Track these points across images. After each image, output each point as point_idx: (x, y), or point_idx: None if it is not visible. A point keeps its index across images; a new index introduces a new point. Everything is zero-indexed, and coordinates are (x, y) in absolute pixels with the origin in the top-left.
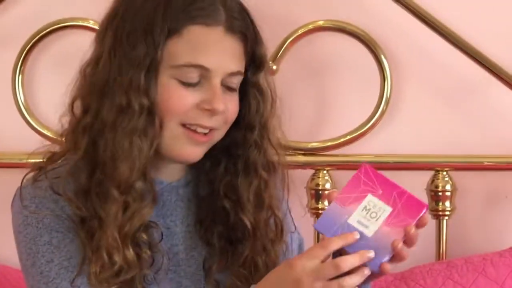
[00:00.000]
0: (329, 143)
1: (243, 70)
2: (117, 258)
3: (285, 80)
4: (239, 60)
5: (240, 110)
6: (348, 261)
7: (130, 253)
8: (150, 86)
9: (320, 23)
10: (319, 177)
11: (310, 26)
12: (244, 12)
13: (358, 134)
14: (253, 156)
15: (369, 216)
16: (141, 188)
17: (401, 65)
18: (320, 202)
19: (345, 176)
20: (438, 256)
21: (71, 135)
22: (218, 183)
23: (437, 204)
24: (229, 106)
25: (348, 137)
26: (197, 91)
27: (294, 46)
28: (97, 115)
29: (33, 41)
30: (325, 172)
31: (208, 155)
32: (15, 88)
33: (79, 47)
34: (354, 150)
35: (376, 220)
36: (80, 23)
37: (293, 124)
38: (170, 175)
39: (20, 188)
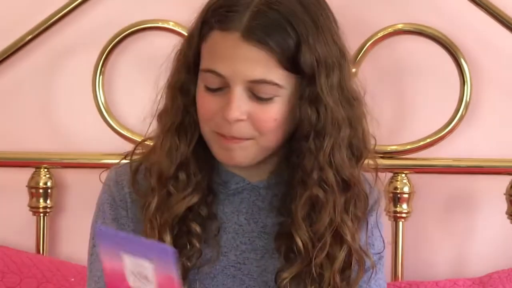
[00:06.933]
0: (408, 147)
1: (273, 80)
2: None
3: (364, 83)
4: (264, 68)
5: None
6: None
7: (168, 238)
8: (191, 87)
9: (399, 26)
10: (397, 181)
11: (390, 30)
12: (276, 19)
13: (437, 137)
14: (308, 166)
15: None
16: (183, 179)
17: (481, 69)
18: (398, 206)
19: (424, 179)
20: None
21: None
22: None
23: None
24: (258, 115)
25: (428, 140)
26: (219, 97)
27: (374, 49)
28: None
29: (114, 42)
30: (403, 175)
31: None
32: (95, 89)
33: (158, 49)
34: (433, 154)
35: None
36: (160, 24)
37: (372, 127)
38: (250, 175)
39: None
